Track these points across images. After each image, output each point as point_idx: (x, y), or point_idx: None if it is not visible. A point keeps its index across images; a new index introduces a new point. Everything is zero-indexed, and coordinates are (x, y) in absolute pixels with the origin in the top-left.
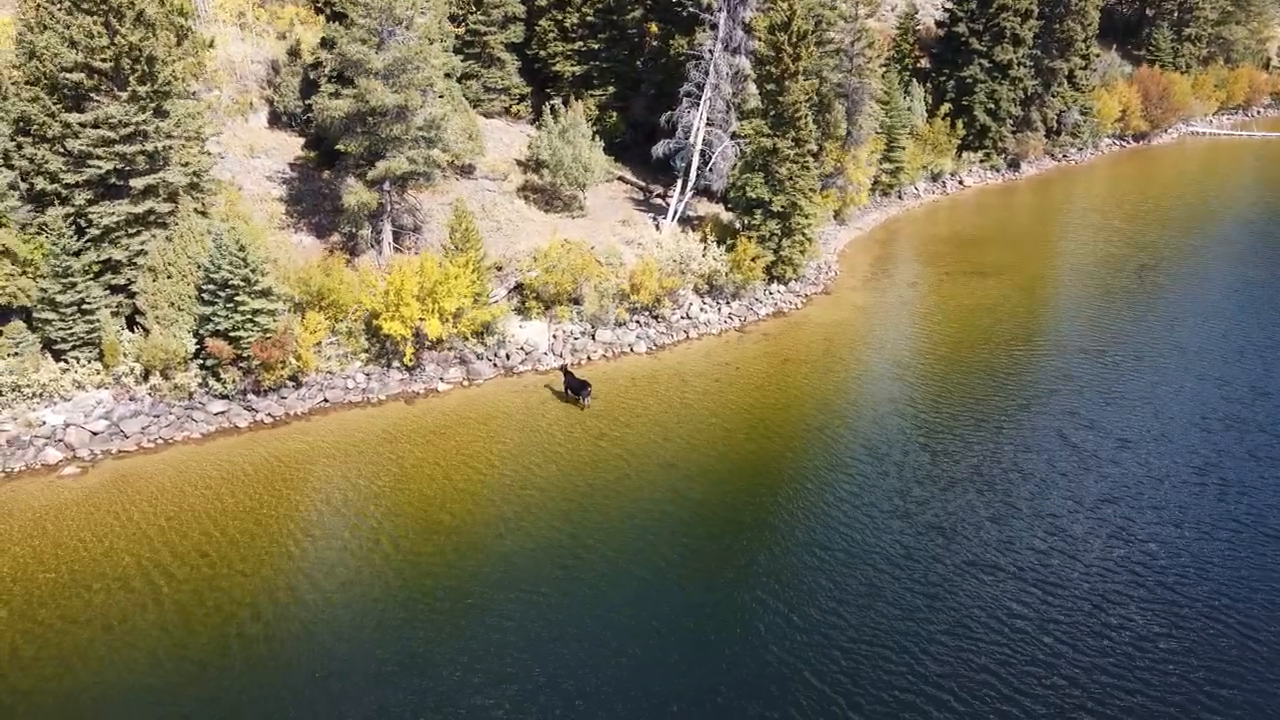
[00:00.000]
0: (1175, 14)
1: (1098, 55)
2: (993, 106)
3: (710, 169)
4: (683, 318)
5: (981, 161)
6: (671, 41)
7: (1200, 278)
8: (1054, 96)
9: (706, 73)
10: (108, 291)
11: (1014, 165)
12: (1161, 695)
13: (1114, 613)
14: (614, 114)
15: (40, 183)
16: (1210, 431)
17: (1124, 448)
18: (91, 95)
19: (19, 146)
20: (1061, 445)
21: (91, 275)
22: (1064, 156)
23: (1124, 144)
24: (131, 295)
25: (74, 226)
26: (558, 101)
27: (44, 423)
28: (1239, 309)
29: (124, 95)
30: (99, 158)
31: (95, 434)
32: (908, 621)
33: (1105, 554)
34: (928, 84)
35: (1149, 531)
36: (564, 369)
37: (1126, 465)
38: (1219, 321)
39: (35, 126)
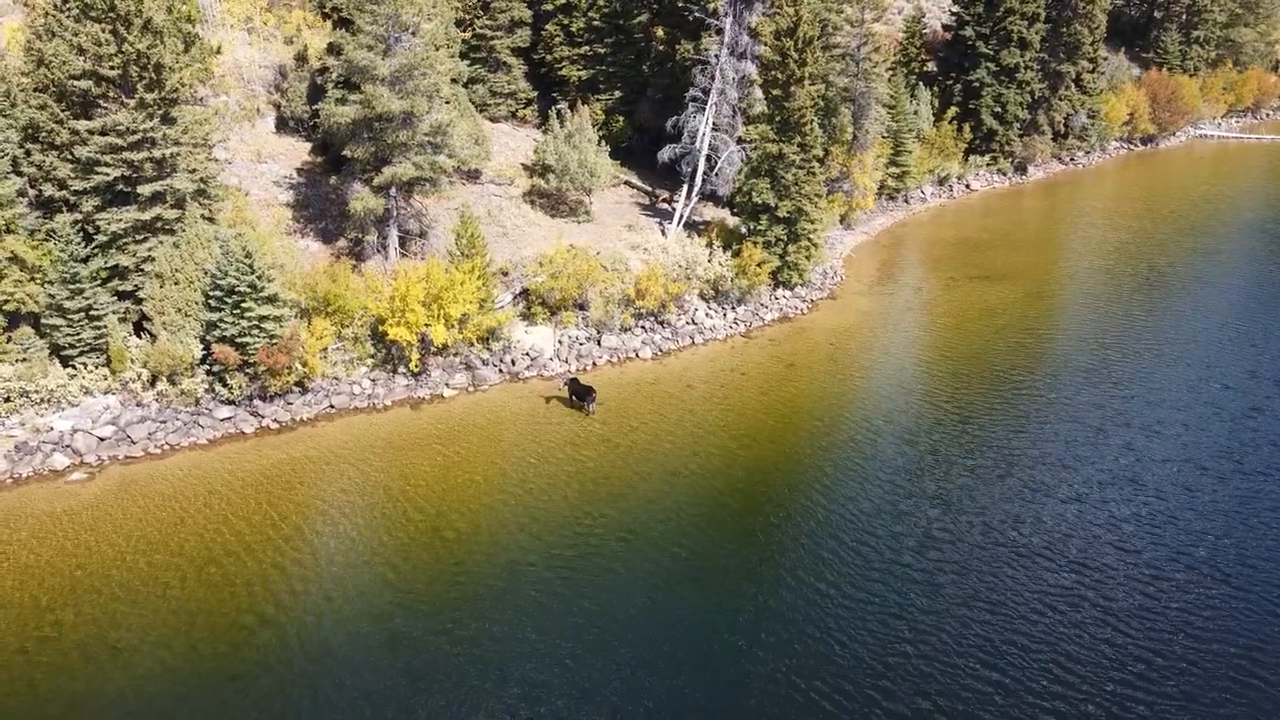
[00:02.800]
0: (1183, 16)
1: (1105, 58)
2: (999, 110)
3: (716, 174)
4: (688, 323)
5: (988, 165)
6: (678, 46)
7: (1212, 278)
8: (1061, 100)
9: (712, 78)
10: (115, 298)
11: (1021, 169)
12: (1203, 665)
13: (1159, 591)
14: (620, 118)
15: (48, 189)
16: (1234, 421)
17: (1152, 436)
18: (99, 102)
19: (27, 153)
20: (1088, 436)
21: (99, 281)
22: (1071, 160)
23: (1132, 147)
24: (139, 301)
25: (82, 233)
26: (564, 106)
27: (51, 428)
28: (1253, 307)
29: (131, 102)
30: (107, 164)
31: (102, 439)
32: (941, 600)
33: (1143, 536)
34: (934, 88)
35: (1185, 514)
36: (570, 381)
37: (1156, 452)
38: (1233, 318)
39: (44, 133)
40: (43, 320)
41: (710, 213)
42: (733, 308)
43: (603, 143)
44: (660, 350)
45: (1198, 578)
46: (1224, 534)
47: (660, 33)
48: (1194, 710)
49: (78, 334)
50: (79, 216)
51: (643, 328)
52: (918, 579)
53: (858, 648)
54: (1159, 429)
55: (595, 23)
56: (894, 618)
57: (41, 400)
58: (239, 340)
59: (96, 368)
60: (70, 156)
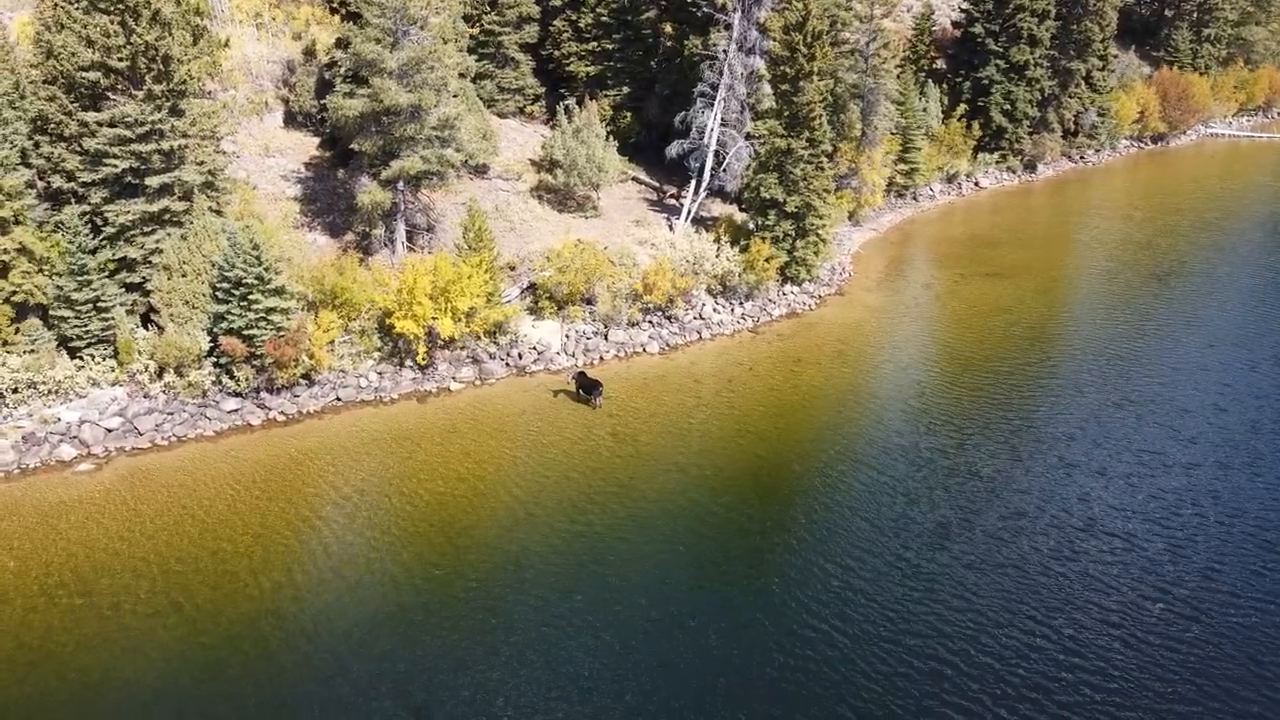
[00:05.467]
0: (1194, 14)
1: (1115, 56)
2: (1009, 107)
3: (724, 169)
4: (695, 318)
5: (997, 163)
6: (686, 42)
7: (1227, 272)
8: (1071, 98)
9: (721, 73)
10: (123, 289)
11: (1030, 167)
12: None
13: (1191, 554)
14: (628, 114)
15: (57, 181)
16: (1260, 401)
17: (1184, 415)
18: (108, 94)
19: (36, 145)
20: (1113, 418)
21: (107, 273)
22: (1081, 158)
23: (1142, 146)
24: (146, 293)
25: (90, 225)
26: (572, 102)
27: (59, 419)
28: (1272, 298)
29: (140, 94)
30: (115, 156)
31: (109, 431)
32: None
33: (1175, 509)
34: (944, 85)
35: (1220, 488)
36: (577, 375)
37: (1185, 432)
38: (1250, 308)
39: (52, 125)
40: (50, 312)
41: (718, 208)
42: (740, 303)
43: (610, 138)
44: (667, 345)
45: (1231, 547)
46: (1261, 506)
47: (668, 28)
48: (1246, 669)
49: (85, 326)
50: (87, 208)
51: (650, 323)
52: (940, 555)
53: (885, 621)
54: (1185, 411)
55: (603, 18)
56: (913, 597)
57: (49, 391)
58: (246, 332)
59: (104, 359)
60: (79, 148)
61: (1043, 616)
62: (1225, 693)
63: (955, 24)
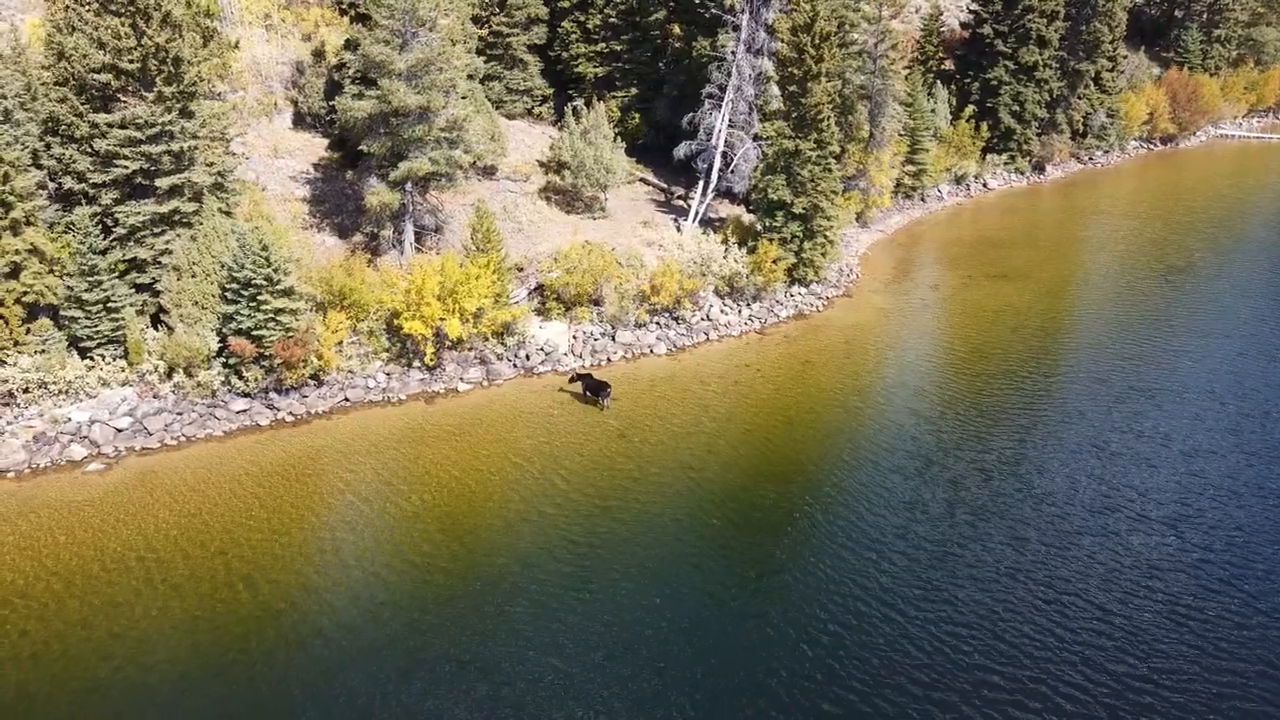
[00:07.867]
0: (1204, 15)
1: (1125, 57)
2: (1018, 109)
3: (732, 171)
4: (703, 319)
5: (1006, 164)
6: (694, 43)
7: (1236, 274)
8: (1080, 99)
9: (729, 74)
10: (133, 290)
11: (1039, 168)
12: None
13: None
14: (636, 115)
15: (68, 182)
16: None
17: (1202, 403)
18: (119, 96)
19: (48, 146)
20: (1129, 413)
21: (117, 274)
22: (1090, 159)
23: (1151, 147)
24: (156, 294)
25: (100, 226)
26: (580, 103)
27: (69, 419)
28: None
29: (150, 96)
30: (125, 158)
31: (119, 431)
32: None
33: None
34: (952, 86)
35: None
36: (581, 376)
37: (1217, 423)
38: (1260, 307)
39: (63, 127)
40: (61, 312)
41: (726, 210)
42: (748, 304)
43: (618, 140)
44: (675, 346)
45: (1254, 527)
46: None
47: (677, 29)
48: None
49: (96, 326)
50: (98, 209)
51: (657, 324)
52: (977, 537)
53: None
54: (1204, 399)
55: (612, 20)
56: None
57: (60, 391)
58: (255, 333)
59: (114, 360)
60: (90, 149)
61: (1076, 590)
62: (1261, 660)
63: (964, 25)
